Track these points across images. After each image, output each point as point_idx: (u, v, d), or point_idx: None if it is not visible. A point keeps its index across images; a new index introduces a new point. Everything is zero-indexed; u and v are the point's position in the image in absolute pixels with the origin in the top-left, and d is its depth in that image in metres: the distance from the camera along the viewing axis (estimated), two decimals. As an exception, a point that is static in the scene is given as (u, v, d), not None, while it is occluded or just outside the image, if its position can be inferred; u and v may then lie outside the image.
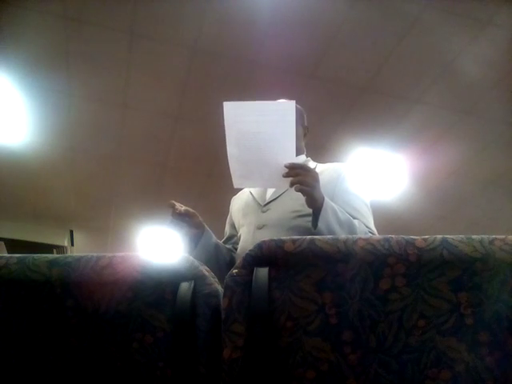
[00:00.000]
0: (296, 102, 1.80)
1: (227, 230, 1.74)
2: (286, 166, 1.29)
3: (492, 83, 3.32)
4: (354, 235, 0.76)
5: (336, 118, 3.65)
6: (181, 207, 1.46)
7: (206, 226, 1.52)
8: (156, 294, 0.75)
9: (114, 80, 3.32)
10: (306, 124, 1.75)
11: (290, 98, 1.80)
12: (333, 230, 1.30)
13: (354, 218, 1.42)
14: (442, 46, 3.08)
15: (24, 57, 3.09)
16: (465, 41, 3.03)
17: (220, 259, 1.53)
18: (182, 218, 1.45)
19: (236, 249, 1.62)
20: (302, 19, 2.91)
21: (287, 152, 1.31)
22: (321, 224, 1.29)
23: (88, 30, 2.94)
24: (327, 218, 1.30)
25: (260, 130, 1.29)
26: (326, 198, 1.33)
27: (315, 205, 1.30)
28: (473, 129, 3.72)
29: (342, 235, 1.26)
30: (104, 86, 3.37)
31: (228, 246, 1.64)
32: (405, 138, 3.86)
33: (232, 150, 1.34)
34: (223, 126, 1.32)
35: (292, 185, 1.27)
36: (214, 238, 1.56)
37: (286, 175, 1.29)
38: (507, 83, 3.30)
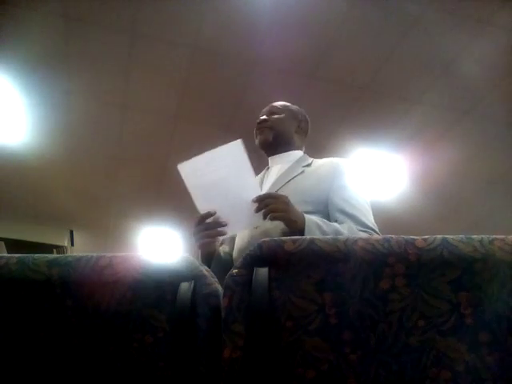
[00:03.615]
0: (296, 102, 1.81)
1: None
2: (253, 201, 1.28)
3: (492, 83, 3.32)
4: (355, 236, 0.76)
5: (336, 118, 3.65)
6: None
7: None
8: (156, 294, 0.75)
9: (114, 80, 3.32)
10: (300, 118, 1.74)
11: (290, 97, 1.81)
12: None
13: (352, 215, 1.40)
14: (442, 46, 3.08)
15: (24, 57, 3.09)
16: (465, 41, 3.03)
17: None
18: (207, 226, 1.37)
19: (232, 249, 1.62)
20: (302, 19, 2.91)
21: (251, 188, 1.32)
22: None
23: (88, 30, 2.94)
24: (312, 233, 1.28)
25: (219, 177, 1.31)
26: (307, 216, 1.31)
27: (296, 226, 1.29)
28: (473, 129, 3.72)
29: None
30: (104, 86, 3.37)
31: (226, 250, 1.63)
32: (405, 138, 3.86)
33: (201, 205, 1.34)
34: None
35: (265, 216, 1.26)
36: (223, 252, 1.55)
37: (257, 210, 1.27)
38: (507, 83, 3.30)
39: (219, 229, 1.33)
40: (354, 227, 1.38)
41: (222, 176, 1.31)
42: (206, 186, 1.32)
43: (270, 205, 1.27)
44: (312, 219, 1.32)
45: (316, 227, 1.30)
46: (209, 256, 1.45)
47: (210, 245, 1.42)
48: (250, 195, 1.30)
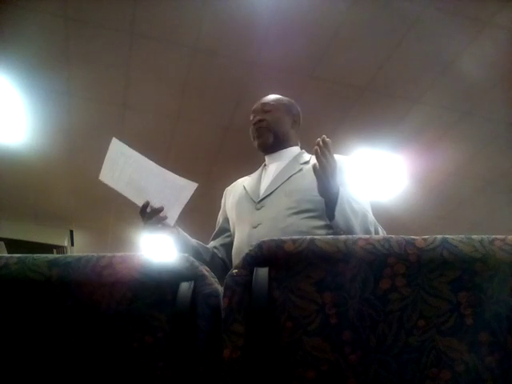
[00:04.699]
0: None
1: (220, 220, 1.72)
2: (318, 143, 1.31)
3: (492, 83, 3.32)
4: (354, 235, 0.76)
5: (336, 118, 3.65)
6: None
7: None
8: (156, 294, 0.75)
9: (113, 80, 3.32)
10: (294, 112, 1.72)
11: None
12: (349, 220, 1.31)
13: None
14: (442, 46, 3.08)
15: (24, 57, 3.09)
16: (465, 41, 3.03)
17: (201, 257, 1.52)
18: (156, 214, 1.43)
19: (223, 246, 1.62)
20: (302, 19, 2.91)
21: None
22: (338, 214, 1.30)
23: (88, 30, 2.94)
24: (344, 207, 1.31)
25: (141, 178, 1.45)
26: (341, 189, 1.33)
27: (330, 189, 1.31)
28: (473, 129, 3.72)
29: (356, 226, 1.30)
30: (104, 86, 3.37)
31: (212, 244, 1.63)
32: (405, 138, 3.85)
33: (133, 197, 1.44)
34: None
35: (319, 157, 1.29)
36: (190, 238, 1.55)
37: (317, 150, 1.30)
38: (507, 83, 3.29)
39: (161, 214, 1.41)
40: (372, 217, 1.43)
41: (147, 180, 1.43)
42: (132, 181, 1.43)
43: (328, 159, 1.30)
44: (345, 193, 1.35)
45: (347, 202, 1.33)
46: (174, 238, 1.48)
47: (163, 229, 1.45)
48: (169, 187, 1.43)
